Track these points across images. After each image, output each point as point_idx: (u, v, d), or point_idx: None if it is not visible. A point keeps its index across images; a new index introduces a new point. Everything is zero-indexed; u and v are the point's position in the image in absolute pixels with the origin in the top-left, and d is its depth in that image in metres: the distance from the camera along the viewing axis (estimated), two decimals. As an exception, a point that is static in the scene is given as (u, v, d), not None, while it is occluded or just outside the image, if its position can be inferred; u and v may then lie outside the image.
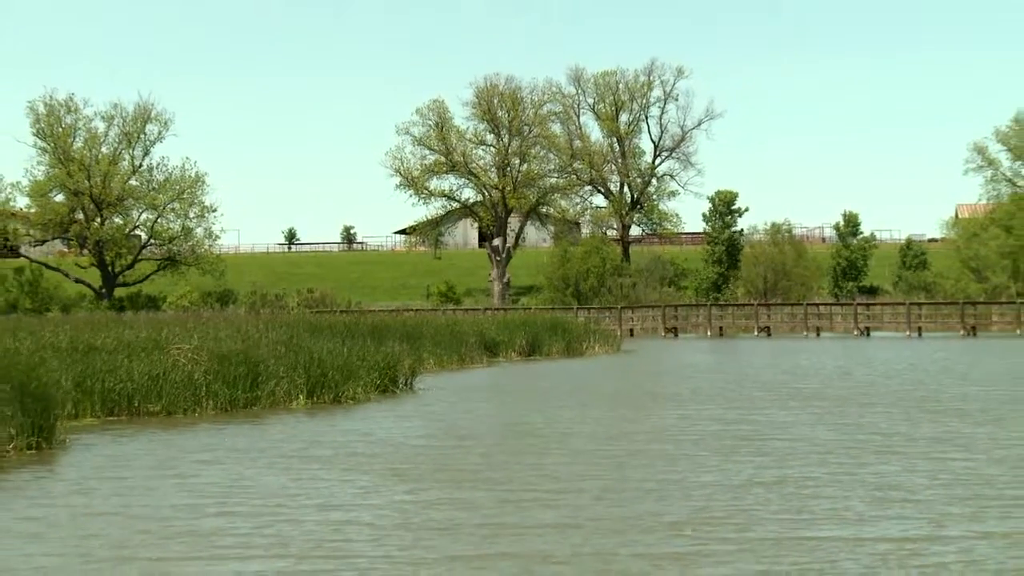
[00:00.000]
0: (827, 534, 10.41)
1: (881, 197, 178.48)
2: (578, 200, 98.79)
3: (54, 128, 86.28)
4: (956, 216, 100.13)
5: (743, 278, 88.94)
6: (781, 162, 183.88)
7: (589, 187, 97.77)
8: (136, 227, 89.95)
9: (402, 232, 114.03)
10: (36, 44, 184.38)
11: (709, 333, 70.34)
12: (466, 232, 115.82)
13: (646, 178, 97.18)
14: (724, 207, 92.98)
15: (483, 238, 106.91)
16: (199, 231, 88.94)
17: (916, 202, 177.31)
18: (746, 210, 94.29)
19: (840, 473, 13.75)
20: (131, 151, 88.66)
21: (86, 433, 18.45)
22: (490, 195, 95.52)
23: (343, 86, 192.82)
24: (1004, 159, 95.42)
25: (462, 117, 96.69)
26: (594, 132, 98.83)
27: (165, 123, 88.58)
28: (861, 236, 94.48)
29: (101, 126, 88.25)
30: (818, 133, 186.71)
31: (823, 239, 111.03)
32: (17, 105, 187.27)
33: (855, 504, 11.76)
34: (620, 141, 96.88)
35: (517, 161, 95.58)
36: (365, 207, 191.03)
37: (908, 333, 66.27)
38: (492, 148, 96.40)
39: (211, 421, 20.39)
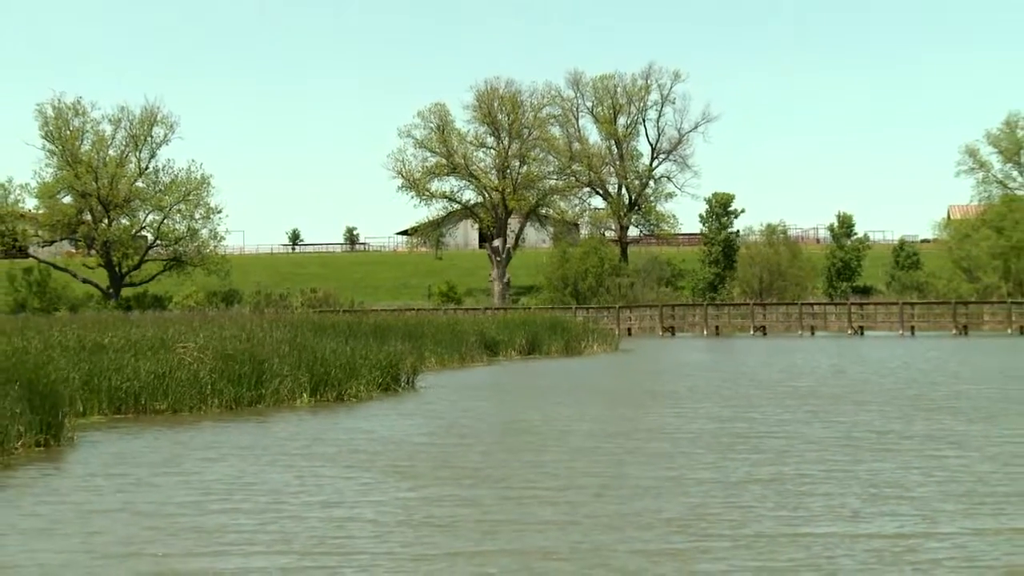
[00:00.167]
0: (823, 530, 10.51)
1: (875, 199, 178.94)
2: (577, 202, 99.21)
3: (62, 131, 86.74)
4: (948, 217, 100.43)
5: (739, 278, 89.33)
6: (776, 164, 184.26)
7: (588, 189, 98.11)
8: (142, 228, 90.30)
9: (404, 233, 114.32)
10: (44, 49, 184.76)
11: (705, 332, 70.58)
12: (467, 233, 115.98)
13: (644, 180, 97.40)
14: (720, 208, 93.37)
15: (483, 239, 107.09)
16: (204, 232, 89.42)
17: (909, 203, 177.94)
18: (742, 211, 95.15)
19: (835, 470, 13.87)
20: (138, 153, 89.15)
21: (93, 430, 18.60)
22: (490, 197, 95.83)
23: (346, 90, 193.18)
24: (995, 161, 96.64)
25: (463, 120, 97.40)
26: (592, 135, 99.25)
27: (171, 126, 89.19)
28: (855, 237, 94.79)
29: (108, 129, 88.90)
30: (813, 136, 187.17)
31: (818, 240, 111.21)
32: (26, 108, 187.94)
33: (850, 500, 11.87)
34: (618, 144, 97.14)
35: (517, 163, 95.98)
36: (368, 208, 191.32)
37: (901, 332, 66.62)
38: (492, 150, 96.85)
39: (216, 419, 20.51)
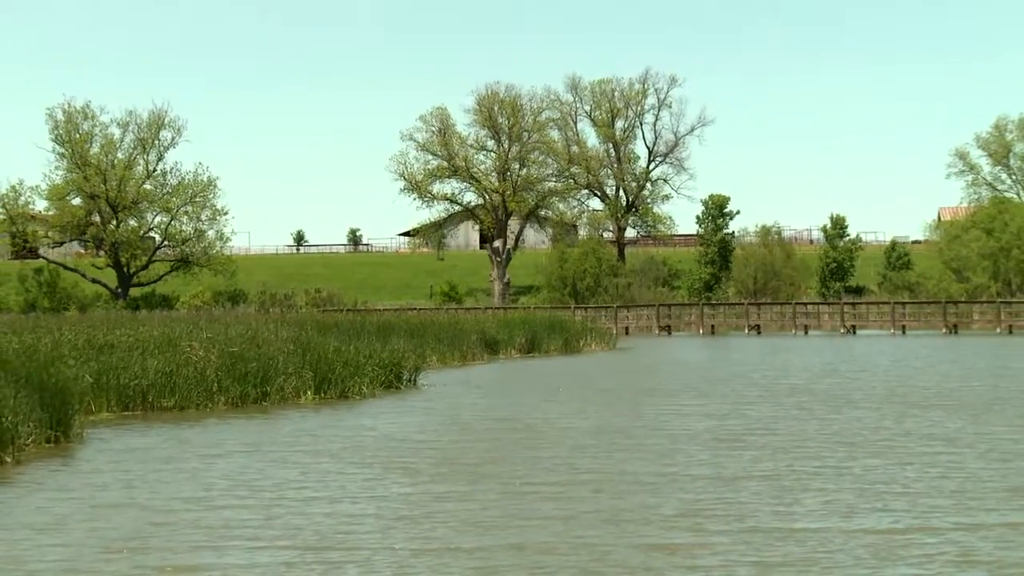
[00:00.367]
0: (818, 525, 10.64)
1: (867, 200, 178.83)
2: (575, 203, 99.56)
3: (72, 134, 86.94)
4: (939, 219, 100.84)
5: (734, 278, 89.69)
6: (771, 167, 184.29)
7: (586, 191, 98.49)
8: (150, 229, 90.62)
9: (406, 234, 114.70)
10: (54, 54, 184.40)
11: (701, 331, 70.79)
12: (468, 234, 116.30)
13: (641, 182, 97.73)
14: (716, 210, 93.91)
15: (484, 240, 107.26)
16: (211, 233, 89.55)
17: (900, 205, 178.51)
18: (737, 213, 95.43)
19: (830, 466, 14.01)
20: (145, 156, 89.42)
21: (102, 427, 18.77)
22: (491, 198, 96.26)
23: (349, 94, 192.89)
24: (985, 164, 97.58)
25: (464, 124, 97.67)
26: (591, 138, 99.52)
27: (178, 129, 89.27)
28: (848, 238, 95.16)
29: (117, 132, 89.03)
30: (807, 139, 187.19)
31: (811, 241, 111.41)
32: (36, 112, 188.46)
33: (845, 496, 12.01)
34: (616, 147, 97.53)
35: (517, 166, 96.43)
36: (371, 210, 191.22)
37: (892, 331, 66.93)
38: (493, 153, 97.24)
39: (222, 416, 20.71)
